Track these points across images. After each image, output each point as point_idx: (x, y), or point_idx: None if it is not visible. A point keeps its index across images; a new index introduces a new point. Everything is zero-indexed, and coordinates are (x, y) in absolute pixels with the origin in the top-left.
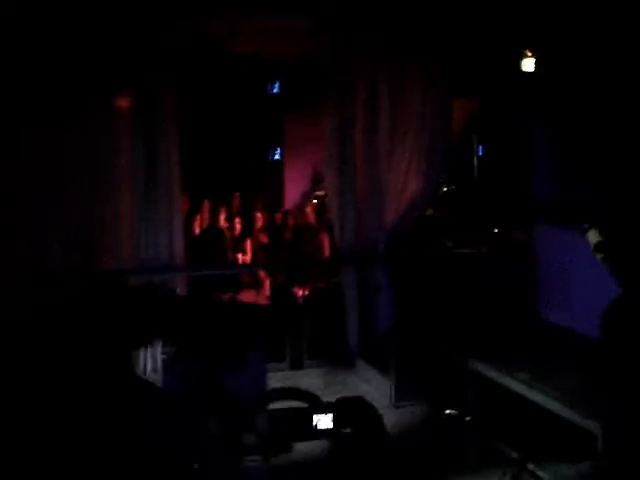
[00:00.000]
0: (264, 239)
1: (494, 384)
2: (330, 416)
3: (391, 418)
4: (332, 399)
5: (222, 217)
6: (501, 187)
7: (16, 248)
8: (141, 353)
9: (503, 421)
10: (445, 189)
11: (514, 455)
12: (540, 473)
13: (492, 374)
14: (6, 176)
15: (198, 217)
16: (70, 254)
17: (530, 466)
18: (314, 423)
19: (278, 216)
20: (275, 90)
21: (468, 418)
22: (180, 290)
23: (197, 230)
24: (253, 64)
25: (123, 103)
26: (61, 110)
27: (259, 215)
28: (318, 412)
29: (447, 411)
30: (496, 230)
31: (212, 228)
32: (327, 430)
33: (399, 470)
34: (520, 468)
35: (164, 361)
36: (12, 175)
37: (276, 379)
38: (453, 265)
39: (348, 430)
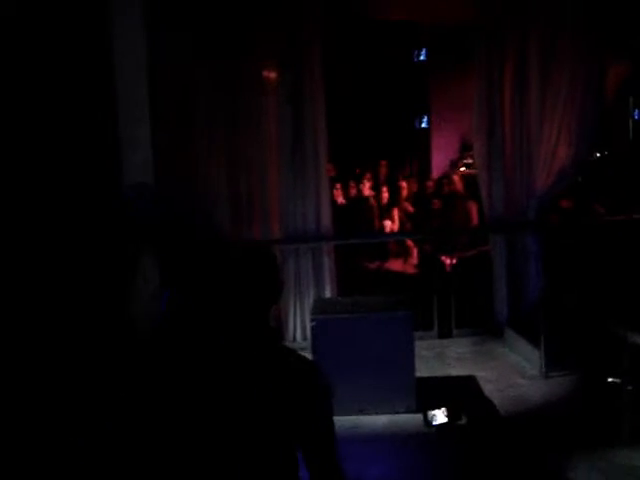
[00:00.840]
0: (411, 207)
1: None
2: (443, 410)
3: (541, 388)
4: (481, 369)
5: (367, 185)
6: None
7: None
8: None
9: None
10: (598, 155)
11: None
12: None
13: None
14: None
15: (341, 186)
16: (221, 225)
17: None
18: (428, 419)
19: (428, 184)
20: (422, 57)
21: (630, 387)
22: (328, 259)
23: (341, 199)
24: (400, 31)
25: (271, 71)
26: (212, 80)
27: (405, 184)
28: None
29: (609, 379)
30: None
31: (358, 197)
32: (442, 425)
33: (545, 443)
34: None
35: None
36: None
37: (423, 347)
38: (606, 233)
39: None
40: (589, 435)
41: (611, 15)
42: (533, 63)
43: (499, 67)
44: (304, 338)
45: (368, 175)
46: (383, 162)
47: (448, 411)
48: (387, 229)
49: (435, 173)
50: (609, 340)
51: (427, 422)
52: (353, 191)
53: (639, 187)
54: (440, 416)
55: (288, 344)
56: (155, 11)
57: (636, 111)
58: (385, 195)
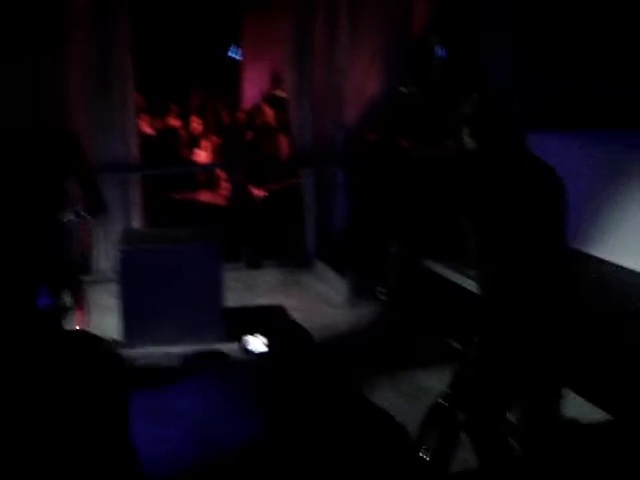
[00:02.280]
0: (221, 138)
1: (447, 281)
2: (262, 339)
3: (347, 316)
4: (289, 298)
5: (174, 116)
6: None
7: None
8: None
9: (453, 317)
10: (404, 90)
11: (462, 349)
12: None
13: (445, 272)
14: None
15: (146, 117)
16: None
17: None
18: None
19: (240, 115)
20: None
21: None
22: (136, 190)
23: (148, 130)
24: None
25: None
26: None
27: (218, 114)
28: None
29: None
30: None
31: (166, 127)
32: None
33: (349, 367)
34: (467, 362)
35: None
36: None
37: (233, 278)
38: (410, 166)
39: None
40: (391, 359)
41: None
42: (342, 2)
43: (310, 2)
44: (112, 270)
45: (174, 106)
46: (194, 93)
47: (267, 339)
48: (198, 159)
49: (247, 105)
50: (408, 267)
51: (245, 350)
52: (161, 122)
53: (440, 124)
54: (258, 344)
55: (96, 275)
56: None
57: (440, 50)
58: (195, 126)
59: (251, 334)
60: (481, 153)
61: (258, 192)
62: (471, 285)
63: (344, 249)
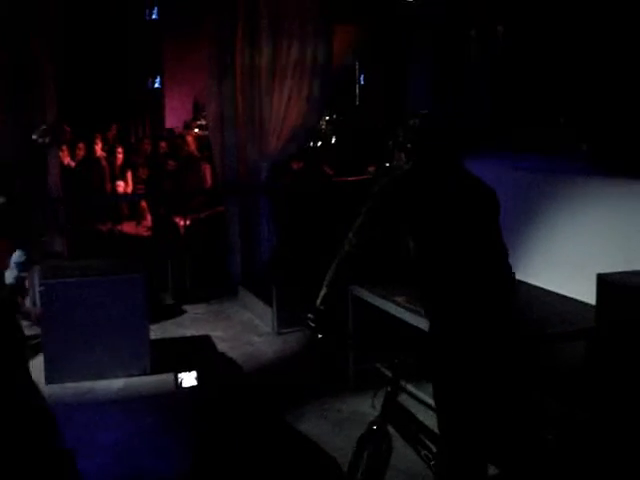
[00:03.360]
0: (146, 169)
1: (373, 308)
2: (194, 373)
3: (273, 344)
4: (216, 328)
5: (99, 147)
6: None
7: None
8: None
9: (382, 343)
10: (327, 118)
11: (390, 374)
12: (417, 391)
13: (371, 298)
14: None
15: (66, 148)
16: None
17: (406, 384)
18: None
19: (162, 145)
20: (154, 16)
21: (350, 341)
22: (60, 221)
23: (68, 160)
24: None
25: None
26: None
27: (140, 144)
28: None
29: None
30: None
31: (89, 158)
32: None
33: (277, 396)
34: (396, 387)
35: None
36: None
37: (158, 309)
38: (335, 193)
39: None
40: (318, 386)
41: None
42: (263, 30)
43: (231, 29)
44: (34, 304)
45: (99, 136)
46: (114, 123)
47: (198, 373)
48: (120, 190)
49: (168, 134)
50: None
51: (177, 384)
52: (82, 152)
53: (364, 151)
54: (189, 378)
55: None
56: None
57: (362, 76)
58: (119, 156)
59: (183, 369)
60: (418, 171)
61: (182, 222)
62: (398, 311)
63: (269, 277)
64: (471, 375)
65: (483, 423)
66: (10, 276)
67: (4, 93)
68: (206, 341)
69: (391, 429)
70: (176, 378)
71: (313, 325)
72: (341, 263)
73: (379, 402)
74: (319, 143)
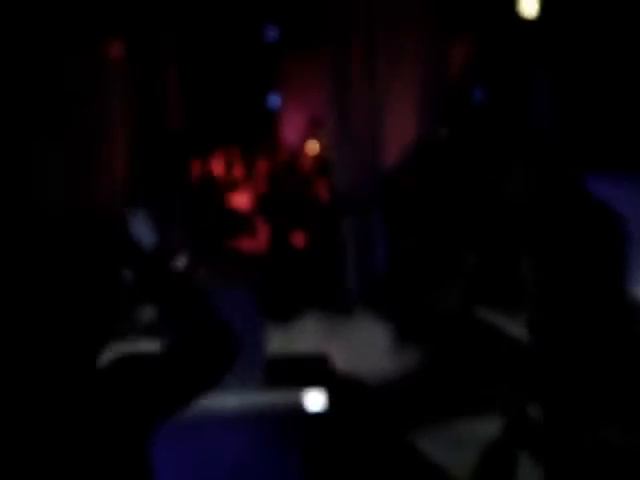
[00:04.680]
0: (264, 186)
1: (495, 328)
2: (321, 393)
3: (391, 363)
4: (332, 345)
5: (219, 164)
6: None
7: None
8: None
9: (504, 365)
10: (444, 134)
11: (514, 399)
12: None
13: (493, 318)
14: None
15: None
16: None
17: (530, 410)
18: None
19: (279, 162)
20: (273, 36)
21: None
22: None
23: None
24: (251, 8)
25: (116, 52)
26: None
27: (258, 162)
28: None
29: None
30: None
31: (207, 176)
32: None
33: (397, 416)
34: (520, 412)
35: None
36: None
37: (274, 325)
38: (451, 210)
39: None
40: (438, 408)
41: None
42: (379, 45)
43: (347, 46)
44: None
45: (218, 154)
46: (232, 141)
47: (326, 394)
48: (237, 207)
49: (286, 152)
50: (454, 314)
51: (304, 405)
52: (199, 170)
53: (478, 169)
54: (317, 399)
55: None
56: None
57: (479, 93)
58: (238, 173)
59: (310, 387)
60: (537, 198)
61: (299, 238)
62: (522, 334)
63: (387, 294)
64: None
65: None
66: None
67: (131, 109)
68: (323, 358)
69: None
70: (301, 396)
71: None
72: (467, 283)
73: (504, 425)
74: (435, 159)
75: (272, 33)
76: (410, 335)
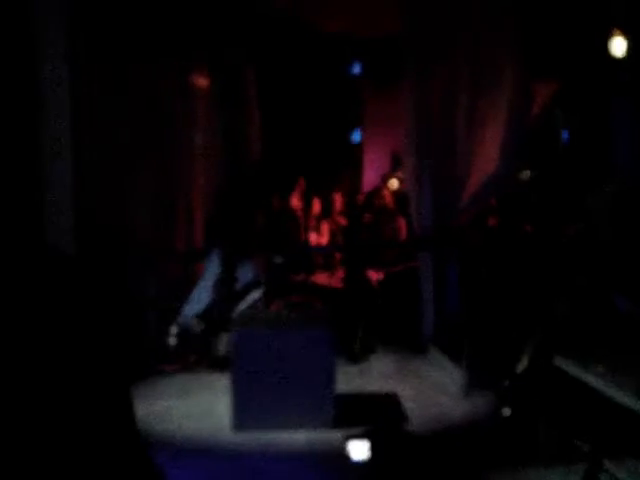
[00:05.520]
0: (342, 221)
1: (569, 376)
2: (366, 444)
3: (461, 407)
4: (403, 386)
5: (296, 198)
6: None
7: None
8: None
9: (579, 415)
10: (528, 173)
11: (589, 450)
12: (617, 471)
13: (567, 366)
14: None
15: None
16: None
17: (606, 463)
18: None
19: (359, 198)
20: (356, 70)
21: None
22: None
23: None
24: (335, 44)
25: (202, 81)
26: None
27: (337, 197)
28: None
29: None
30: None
31: (285, 209)
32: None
33: (465, 462)
34: (595, 464)
35: None
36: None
37: (345, 362)
38: (533, 252)
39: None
40: (507, 454)
41: (539, 33)
42: (461, 81)
43: (428, 83)
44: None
45: (297, 187)
46: (311, 175)
47: (372, 442)
48: (314, 242)
49: (366, 187)
50: (529, 360)
51: (348, 455)
52: (277, 203)
53: (566, 208)
54: (362, 449)
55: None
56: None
57: (564, 132)
58: (316, 208)
59: (356, 438)
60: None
61: (375, 275)
62: (598, 383)
63: (459, 336)
64: None
65: None
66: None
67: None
68: (392, 399)
69: None
70: (348, 448)
71: (504, 399)
72: (547, 332)
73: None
74: (518, 199)
75: (355, 67)
76: (481, 380)
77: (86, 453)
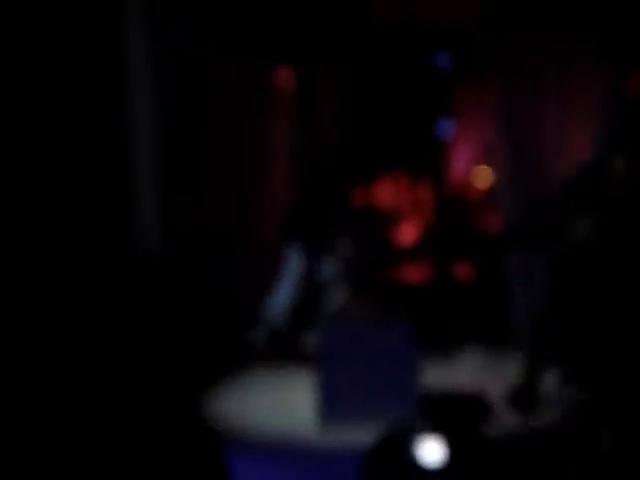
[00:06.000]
0: (430, 215)
1: None
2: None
3: (552, 409)
4: (491, 383)
5: (385, 193)
6: None
7: None
8: None
9: None
10: (620, 165)
11: None
12: None
13: None
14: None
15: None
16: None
17: None
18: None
19: (447, 192)
20: (445, 63)
21: None
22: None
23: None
24: (424, 36)
25: (282, 80)
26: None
27: (426, 191)
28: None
29: None
30: None
31: (373, 204)
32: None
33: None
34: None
35: None
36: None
37: (432, 358)
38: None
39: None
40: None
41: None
42: (550, 74)
43: (517, 76)
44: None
45: (386, 181)
46: (399, 170)
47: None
48: (402, 236)
49: (455, 181)
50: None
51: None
52: (368, 197)
53: None
54: (434, 450)
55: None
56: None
57: None
58: (404, 202)
59: (429, 434)
60: None
61: (463, 271)
62: None
63: (550, 335)
64: None
65: None
66: None
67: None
68: (481, 397)
69: None
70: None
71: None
72: None
73: None
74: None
75: (443, 59)
76: (572, 379)
77: (154, 446)
